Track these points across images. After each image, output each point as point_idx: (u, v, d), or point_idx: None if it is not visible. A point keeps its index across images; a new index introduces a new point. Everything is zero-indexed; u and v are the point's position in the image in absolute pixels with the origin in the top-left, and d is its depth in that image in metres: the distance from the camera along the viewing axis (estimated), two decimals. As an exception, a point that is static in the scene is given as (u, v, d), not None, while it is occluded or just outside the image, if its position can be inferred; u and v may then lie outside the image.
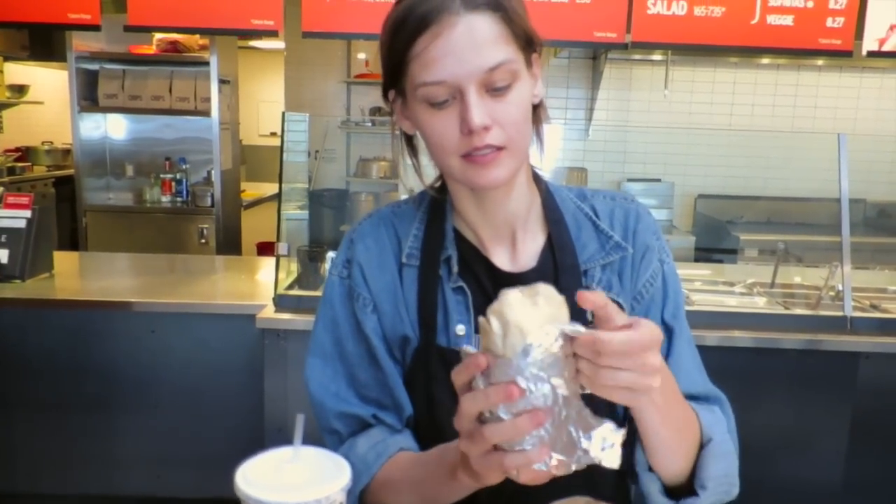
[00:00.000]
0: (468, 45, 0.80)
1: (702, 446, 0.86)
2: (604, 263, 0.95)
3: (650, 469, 0.85)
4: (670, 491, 0.86)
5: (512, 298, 0.65)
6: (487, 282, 0.93)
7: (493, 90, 0.81)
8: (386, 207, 1.02)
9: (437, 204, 0.98)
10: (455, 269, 0.93)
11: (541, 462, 0.65)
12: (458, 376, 0.68)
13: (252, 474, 0.62)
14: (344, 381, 0.97)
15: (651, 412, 0.75)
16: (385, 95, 0.92)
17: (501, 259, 0.95)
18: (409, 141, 0.95)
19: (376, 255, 0.96)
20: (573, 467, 0.66)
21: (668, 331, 0.95)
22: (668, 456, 0.83)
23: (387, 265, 0.96)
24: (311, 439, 0.68)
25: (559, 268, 0.93)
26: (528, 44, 0.85)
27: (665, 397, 0.75)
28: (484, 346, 0.67)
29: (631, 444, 0.86)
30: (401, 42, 0.83)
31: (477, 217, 0.95)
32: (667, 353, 0.94)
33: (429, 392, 0.93)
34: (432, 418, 0.93)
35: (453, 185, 0.95)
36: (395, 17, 0.84)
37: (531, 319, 0.64)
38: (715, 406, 0.94)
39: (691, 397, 0.92)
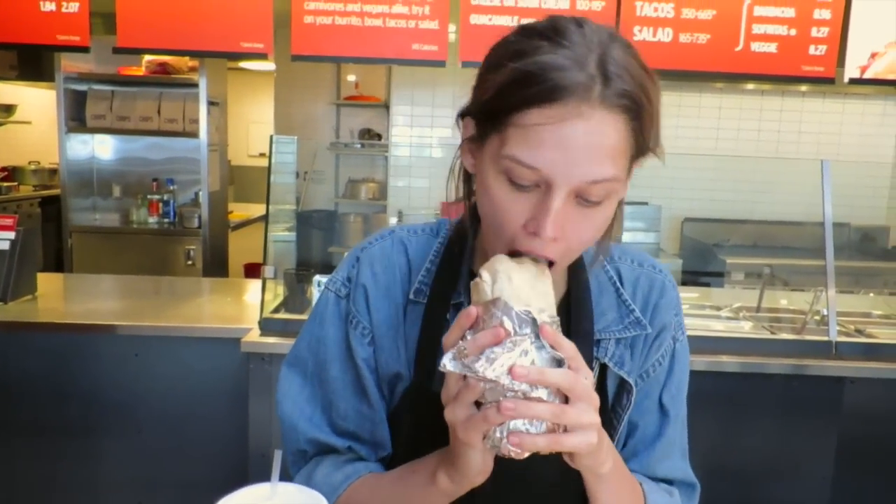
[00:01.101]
0: (585, 147, 0.69)
1: None
2: (619, 337, 0.89)
3: None
4: None
5: (501, 256, 0.71)
6: None
7: (582, 201, 0.72)
8: (402, 230, 0.94)
9: (457, 236, 0.90)
10: None
11: (524, 417, 0.64)
12: (449, 336, 0.68)
13: (229, 512, 0.61)
14: (319, 407, 0.92)
15: (597, 487, 0.77)
16: (460, 115, 0.81)
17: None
18: (468, 178, 0.85)
19: (384, 283, 0.89)
20: (559, 440, 0.66)
21: (664, 412, 0.93)
22: None
23: (393, 296, 0.89)
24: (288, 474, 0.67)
25: (572, 330, 0.86)
26: (641, 153, 0.75)
27: (615, 481, 0.77)
28: (474, 302, 0.69)
29: None
30: (509, 101, 0.70)
31: None
32: (657, 435, 0.92)
33: (414, 436, 0.88)
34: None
35: (487, 230, 0.84)
36: (520, 65, 0.70)
37: (520, 272, 0.69)
38: (675, 490, 0.93)
39: (665, 481, 0.94)
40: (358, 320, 0.89)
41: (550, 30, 0.72)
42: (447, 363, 0.65)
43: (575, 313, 0.86)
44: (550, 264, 0.74)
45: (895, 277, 4.18)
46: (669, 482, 0.94)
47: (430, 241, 0.92)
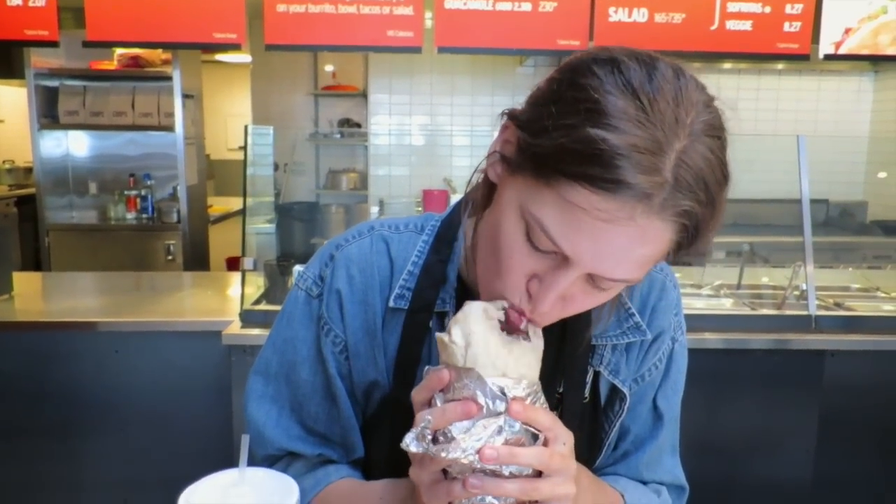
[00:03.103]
0: (622, 252, 0.61)
1: None
2: (615, 343, 0.85)
3: None
4: None
5: (474, 309, 0.64)
6: None
7: (593, 283, 0.66)
8: (383, 226, 0.86)
9: (443, 236, 0.83)
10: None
11: (492, 494, 0.62)
12: (418, 395, 0.65)
13: (196, 499, 0.60)
14: (288, 408, 0.87)
15: None
16: (506, 116, 0.69)
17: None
18: (489, 187, 0.73)
19: (361, 288, 0.82)
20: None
21: (658, 415, 0.90)
22: None
23: (370, 302, 0.82)
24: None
25: (568, 335, 0.81)
26: (676, 255, 0.66)
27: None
28: (443, 361, 0.64)
29: None
30: (569, 164, 0.59)
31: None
32: (648, 438, 0.90)
33: (394, 445, 0.84)
34: (393, 471, 0.81)
35: (479, 232, 0.78)
36: (589, 134, 0.57)
37: (498, 334, 0.63)
38: (664, 489, 0.92)
39: (655, 482, 0.93)
40: (330, 328, 0.83)
41: (642, 91, 0.60)
42: (410, 444, 0.61)
43: (572, 319, 0.76)
44: None
45: (873, 251, 4.22)
46: (659, 485, 0.93)
47: (415, 239, 0.84)
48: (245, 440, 0.62)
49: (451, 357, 0.63)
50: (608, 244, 0.60)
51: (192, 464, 2.50)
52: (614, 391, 0.87)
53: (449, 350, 0.63)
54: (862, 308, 2.64)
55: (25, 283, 2.95)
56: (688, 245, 0.63)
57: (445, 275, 0.81)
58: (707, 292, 2.87)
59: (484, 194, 0.75)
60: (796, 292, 2.61)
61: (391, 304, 0.81)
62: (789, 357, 2.38)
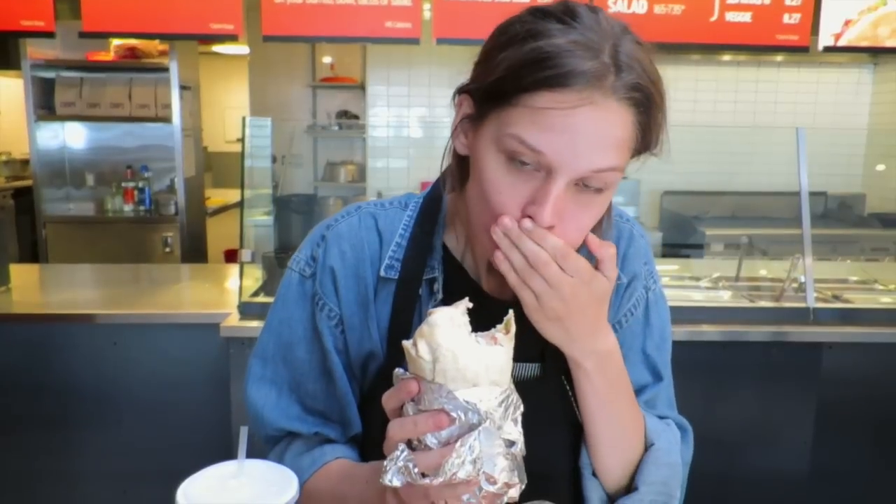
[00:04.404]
0: (593, 135, 0.68)
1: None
2: None
3: (594, 474, 0.84)
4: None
5: (439, 319, 0.63)
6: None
7: (582, 187, 0.71)
8: (369, 205, 0.91)
9: (427, 210, 0.88)
10: (440, 294, 0.84)
11: (468, 493, 0.62)
12: (388, 401, 0.66)
13: (194, 492, 0.60)
14: (286, 388, 0.90)
15: (588, 390, 0.76)
16: (457, 93, 0.78)
17: (492, 283, 0.86)
18: (460, 163, 0.82)
19: (353, 262, 0.86)
20: (504, 499, 0.64)
21: (650, 364, 0.92)
22: (608, 452, 0.82)
23: (362, 275, 0.86)
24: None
25: None
26: (642, 149, 0.75)
27: (605, 379, 0.76)
28: (412, 371, 0.64)
29: (577, 445, 0.86)
30: (519, 81, 0.68)
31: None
32: (645, 385, 0.92)
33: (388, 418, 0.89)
34: None
35: (462, 205, 0.83)
36: (535, 46, 0.68)
37: (466, 344, 0.62)
38: (672, 423, 0.92)
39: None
40: (325, 302, 0.87)
41: (565, 13, 0.71)
42: (393, 479, 0.63)
43: None
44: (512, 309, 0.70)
45: (871, 244, 4.22)
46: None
47: (400, 214, 0.89)
48: (244, 432, 0.62)
49: (419, 370, 0.63)
50: (579, 132, 0.67)
51: (191, 456, 2.49)
52: None
53: (417, 364, 0.63)
54: (860, 300, 2.65)
55: (22, 275, 2.94)
56: (648, 127, 0.72)
57: (432, 244, 0.86)
58: (705, 285, 2.87)
59: (458, 168, 0.82)
60: (794, 285, 2.61)
61: (382, 273, 0.85)
62: (787, 349, 2.38)
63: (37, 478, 2.50)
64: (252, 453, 0.64)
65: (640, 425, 0.85)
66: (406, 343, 0.64)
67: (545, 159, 0.68)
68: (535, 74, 0.67)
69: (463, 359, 0.61)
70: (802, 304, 2.44)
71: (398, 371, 0.66)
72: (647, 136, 0.73)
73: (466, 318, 0.64)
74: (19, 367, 2.46)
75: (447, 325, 0.62)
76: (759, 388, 2.43)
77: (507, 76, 0.69)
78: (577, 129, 0.67)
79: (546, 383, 0.86)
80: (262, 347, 0.91)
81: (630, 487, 0.84)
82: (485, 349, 0.63)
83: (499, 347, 0.64)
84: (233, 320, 2.34)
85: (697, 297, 2.75)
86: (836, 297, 2.66)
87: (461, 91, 0.78)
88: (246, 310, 2.37)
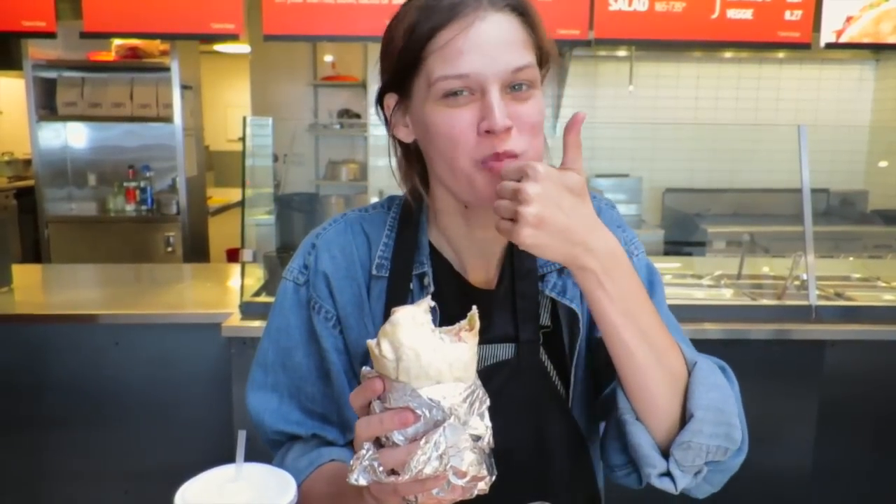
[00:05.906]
0: (497, 41, 0.77)
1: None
2: (560, 267, 0.90)
3: (637, 419, 0.80)
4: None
5: (401, 318, 0.63)
6: (459, 298, 0.87)
7: (516, 93, 0.78)
8: (353, 212, 0.96)
9: (408, 210, 0.92)
10: (431, 287, 0.88)
11: (437, 487, 0.63)
12: (356, 400, 0.67)
13: (192, 496, 0.60)
14: (286, 394, 0.93)
15: (603, 300, 0.74)
16: (379, 100, 0.87)
17: (477, 275, 0.90)
18: (406, 150, 0.90)
19: (344, 265, 0.90)
20: (475, 492, 0.65)
21: None
22: (647, 374, 0.77)
23: (354, 276, 0.90)
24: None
25: (516, 273, 0.89)
26: (542, 58, 0.83)
27: (617, 283, 0.74)
28: (377, 369, 0.64)
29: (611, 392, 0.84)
30: (420, 35, 0.78)
31: (460, 234, 0.89)
32: None
33: None
34: None
35: (443, 197, 0.88)
36: (413, 11, 0.80)
37: (427, 341, 0.62)
38: (710, 358, 0.88)
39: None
40: (321, 305, 0.90)
41: None
42: (359, 478, 0.64)
43: (517, 254, 0.89)
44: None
45: (874, 241, 4.22)
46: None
47: (384, 216, 0.94)
48: (242, 436, 0.62)
49: (383, 369, 0.63)
50: (483, 44, 0.76)
51: (193, 455, 2.51)
52: (573, 316, 0.89)
53: (381, 363, 0.63)
54: (862, 298, 2.64)
55: (25, 275, 2.94)
56: (534, 28, 0.80)
57: (417, 240, 0.90)
58: (707, 282, 2.86)
59: (406, 160, 0.91)
60: (797, 282, 2.60)
61: (374, 272, 0.90)
62: (790, 347, 2.38)
63: (39, 477, 2.51)
64: (251, 457, 0.64)
65: (671, 338, 0.80)
66: (370, 342, 0.64)
67: (472, 79, 0.76)
68: (427, 23, 0.78)
69: (425, 357, 0.62)
70: (805, 302, 2.43)
71: (365, 369, 0.66)
72: (538, 34, 0.81)
73: (429, 317, 0.64)
74: (21, 367, 2.46)
75: (409, 323, 0.62)
76: (762, 386, 2.42)
77: (407, 43, 0.79)
78: (480, 42, 0.76)
79: (522, 362, 0.87)
80: (262, 355, 0.95)
81: (684, 420, 0.79)
82: (448, 346, 0.63)
83: (462, 344, 0.64)
84: (234, 320, 2.34)
85: (699, 295, 2.75)
86: (839, 295, 2.65)
87: (381, 94, 0.86)
88: (247, 309, 2.37)
